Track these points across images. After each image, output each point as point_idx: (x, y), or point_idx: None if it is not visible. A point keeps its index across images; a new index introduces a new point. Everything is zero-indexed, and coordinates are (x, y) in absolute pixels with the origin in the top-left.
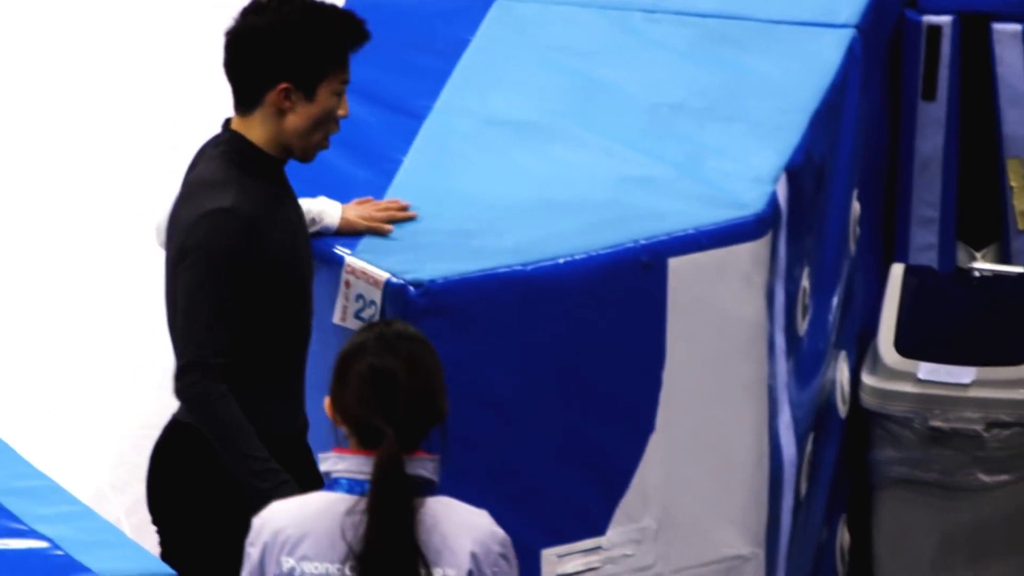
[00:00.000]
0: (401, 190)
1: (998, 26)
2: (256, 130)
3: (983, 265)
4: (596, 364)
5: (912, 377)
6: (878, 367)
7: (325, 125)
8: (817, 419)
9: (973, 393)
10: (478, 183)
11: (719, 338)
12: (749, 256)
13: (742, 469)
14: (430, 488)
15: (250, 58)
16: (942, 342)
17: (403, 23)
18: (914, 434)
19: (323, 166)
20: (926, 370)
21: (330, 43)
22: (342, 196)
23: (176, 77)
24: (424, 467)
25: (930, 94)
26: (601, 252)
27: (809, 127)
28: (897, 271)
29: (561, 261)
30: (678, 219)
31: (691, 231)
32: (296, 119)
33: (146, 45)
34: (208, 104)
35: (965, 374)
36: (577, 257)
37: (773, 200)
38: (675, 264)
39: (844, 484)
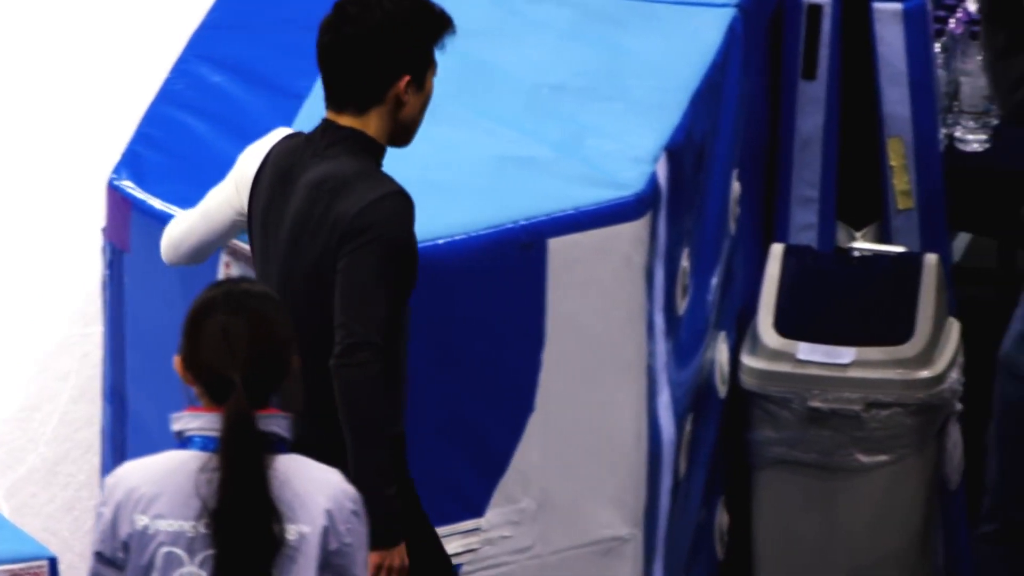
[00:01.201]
0: None
1: (878, 5)
2: (374, 125)
3: (863, 245)
4: (476, 345)
5: (791, 357)
6: (757, 347)
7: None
8: (696, 399)
9: (852, 373)
10: None
11: (599, 319)
12: (629, 236)
13: (621, 450)
14: (283, 445)
15: (375, 56)
16: (821, 322)
17: (283, 2)
18: (793, 414)
19: (203, 147)
20: (805, 350)
21: (435, 30)
22: (221, 177)
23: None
24: (276, 424)
25: (810, 73)
26: (481, 233)
27: (689, 107)
28: (777, 251)
29: (441, 242)
30: (558, 200)
31: (571, 211)
32: (411, 109)
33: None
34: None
35: (844, 354)
36: (457, 238)
37: (653, 180)
38: (555, 245)
39: (723, 464)
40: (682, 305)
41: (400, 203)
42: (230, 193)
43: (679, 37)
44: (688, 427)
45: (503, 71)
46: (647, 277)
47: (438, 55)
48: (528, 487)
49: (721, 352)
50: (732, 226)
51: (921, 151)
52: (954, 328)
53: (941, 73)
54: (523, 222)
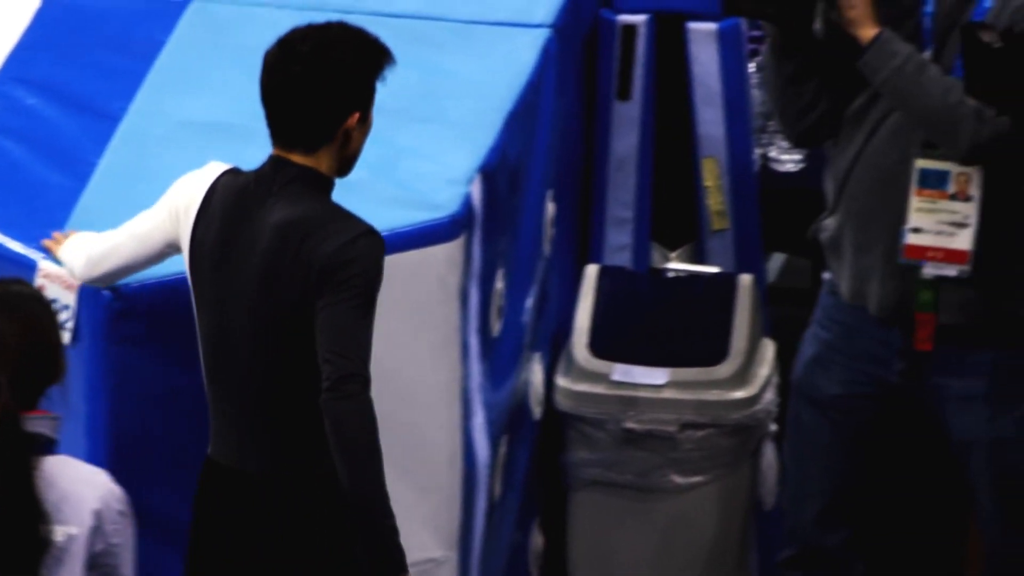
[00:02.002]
0: (96, 193)
1: (693, 25)
2: (325, 163)
3: (677, 266)
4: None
5: (606, 379)
6: (572, 369)
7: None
8: (511, 421)
9: (667, 394)
10: None
11: (413, 340)
12: (443, 258)
13: (435, 471)
14: (50, 446)
15: (326, 97)
16: (636, 343)
17: (98, 24)
18: (608, 436)
19: (17, 170)
20: (620, 371)
21: (380, 65)
22: (36, 200)
23: None
24: (43, 425)
25: (625, 94)
26: None
27: (504, 127)
28: (591, 272)
29: None
30: (374, 221)
31: (386, 233)
32: (356, 143)
33: None
34: None
35: (659, 375)
36: None
37: (467, 201)
38: None
39: (538, 486)
40: (496, 327)
41: (373, 241)
42: (162, 221)
43: (494, 58)
44: (503, 449)
45: None
46: (461, 299)
47: (249, 76)
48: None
49: (536, 374)
50: (547, 247)
51: (735, 171)
52: (769, 349)
53: (755, 93)
54: None
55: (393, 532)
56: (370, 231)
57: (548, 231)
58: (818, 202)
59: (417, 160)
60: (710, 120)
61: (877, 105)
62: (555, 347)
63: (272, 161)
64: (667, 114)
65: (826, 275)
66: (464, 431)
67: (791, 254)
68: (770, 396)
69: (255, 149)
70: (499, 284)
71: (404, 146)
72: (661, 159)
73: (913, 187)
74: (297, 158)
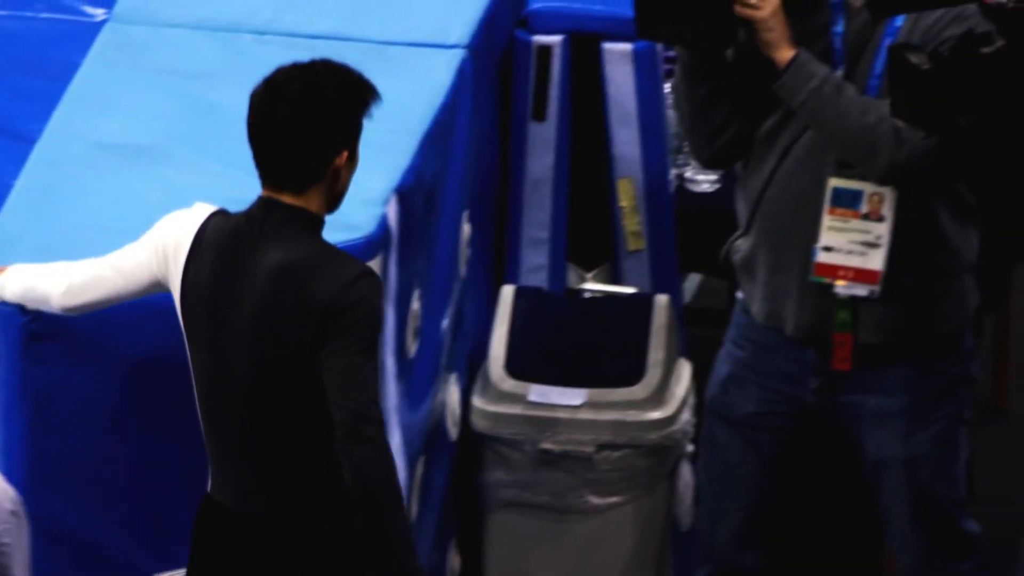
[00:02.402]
0: (12, 215)
1: (608, 46)
2: (315, 202)
3: (594, 286)
4: None
5: (522, 399)
6: (488, 389)
7: None
8: (428, 442)
9: (583, 415)
10: (90, 207)
11: None
12: None
13: None
14: None
15: (315, 138)
16: (552, 364)
17: (12, 46)
18: (525, 457)
19: None
20: (536, 392)
21: (366, 102)
22: None
23: None
24: None
25: (540, 114)
26: None
27: (420, 148)
28: (508, 293)
29: None
30: None
31: None
32: (344, 180)
33: None
34: None
35: (575, 396)
36: None
37: (383, 222)
38: None
39: (455, 507)
40: (413, 348)
41: (372, 282)
42: (147, 258)
43: (409, 79)
44: (420, 470)
45: (232, 113)
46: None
47: (165, 98)
48: None
49: (452, 394)
50: (463, 268)
51: (651, 192)
52: (685, 369)
53: (671, 114)
54: None
55: (419, 574)
56: (367, 272)
57: (464, 252)
58: (734, 222)
59: None
60: (626, 140)
61: (788, 126)
62: (472, 368)
63: (262, 203)
64: (583, 135)
65: (740, 294)
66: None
67: (707, 274)
68: (687, 416)
69: (171, 170)
70: (415, 305)
71: None
72: (577, 179)
73: (826, 206)
74: (287, 199)
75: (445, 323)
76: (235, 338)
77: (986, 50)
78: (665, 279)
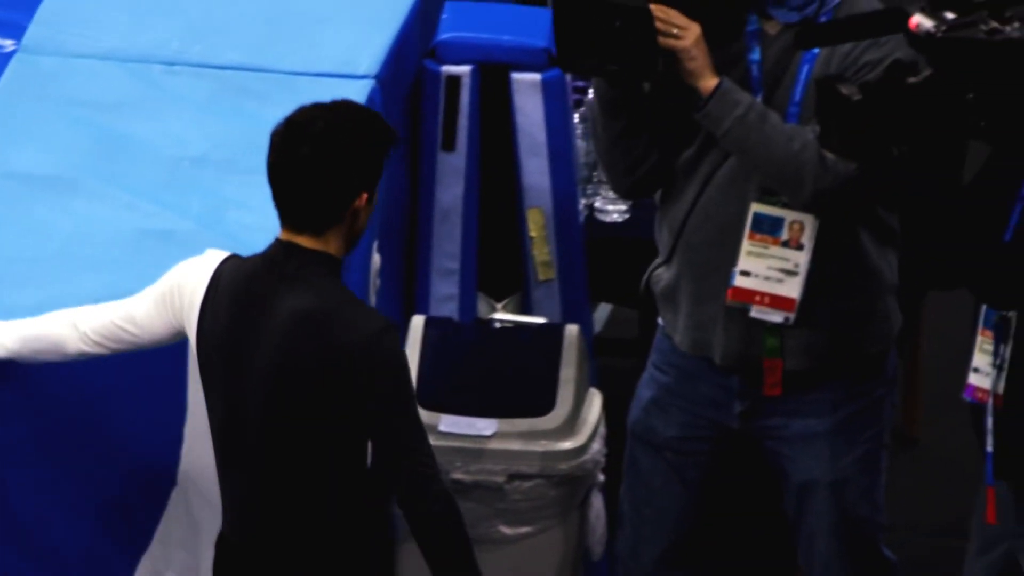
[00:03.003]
0: None
1: (517, 76)
2: (334, 244)
3: (504, 316)
4: (117, 419)
5: (433, 429)
6: None
7: None
8: None
9: (494, 445)
10: (0, 238)
11: None
12: None
13: None
14: None
15: (336, 180)
16: (463, 394)
17: None
18: None
19: None
20: (447, 422)
21: (387, 145)
22: None
23: None
24: None
25: (450, 144)
26: None
27: None
28: (418, 323)
29: None
30: None
31: None
32: (363, 221)
33: None
34: None
35: (486, 426)
36: None
37: None
38: None
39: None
40: None
41: (396, 333)
42: (158, 308)
43: None
44: None
45: (143, 144)
46: None
47: (75, 128)
48: (171, 561)
49: None
50: (373, 299)
51: (561, 222)
52: (596, 399)
53: (580, 144)
54: None
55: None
56: (389, 324)
57: (374, 282)
58: (644, 252)
59: (243, 211)
60: (535, 170)
61: (708, 156)
62: None
63: (281, 246)
64: (492, 165)
65: (661, 320)
66: None
67: (617, 304)
68: (598, 446)
69: (82, 201)
70: None
71: (230, 197)
72: (486, 209)
73: (746, 231)
74: (305, 241)
75: None
76: (252, 383)
77: (913, 80)
78: (575, 309)
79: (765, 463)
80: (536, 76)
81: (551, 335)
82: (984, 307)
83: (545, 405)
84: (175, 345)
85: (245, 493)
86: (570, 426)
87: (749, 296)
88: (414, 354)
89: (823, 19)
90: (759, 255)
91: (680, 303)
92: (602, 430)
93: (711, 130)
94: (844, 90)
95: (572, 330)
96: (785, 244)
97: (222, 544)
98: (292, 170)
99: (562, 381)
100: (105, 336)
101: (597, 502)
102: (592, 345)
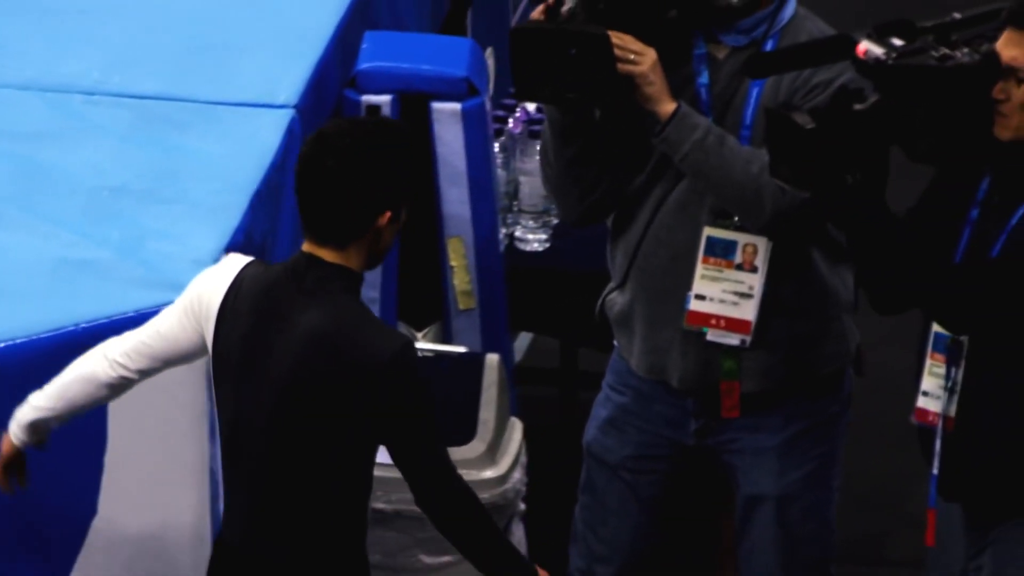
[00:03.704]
0: None
1: (437, 105)
2: (355, 259)
3: (424, 345)
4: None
5: None
6: None
7: None
8: None
9: None
10: None
11: (160, 421)
12: None
13: (181, 553)
14: None
15: (360, 194)
16: None
17: None
18: None
19: None
20: None
21: (415, 162)
22: None
23: None
24: None
25: None
26: (42, 336)
27: (249, 208)
28: None
29: (1, 345)
30: (119, 302)
31: (132, 314)
32: (387, 240)
33: None
34: None
35: None
36: (18, 341)
37: None
38: None
39: None
40: None
41: (414, 353)
42: (180, 320)
43: (238, 139)
44: None
45: (62, 173)
46: (207, 379)
47: None
48: None
49: None
50: None
51: (481, 251)
52: (517, 428)
53: (501, 173)
54: (84, 325)
55: (515, 553)
56: (408, 343)
57: None
58: (564, 281)
59: (162, 241)
60: (455, 199)
61: (660, 181)
62: None
63: (303, 258)
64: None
65: (617, 344)
66: (212, 512)
67: (538, 333)
68: (518, 475)
69: (1, 231)
70: None
71: (149, 227)
72: (407, 239)
73: (700, 255)
74: (327, 255)
75: None
76: (263, 392)
77: (859, 107)
78: (496, 338)
79: (722, 476)
80: (456, 105)
81: (471, 364)
82: (933, 331)
83: (466, 434)
84: None
85: (247, 498)
86: (491, 455)
87: (705, 320)
88: None
89: (770, 41)
90: (714, 279)
91: (635, 327)
92: (523, 459)
93: (669, 154)
94: (796, 119)
95: (492, 359)
96: (739, 267)
97: (219, 548)
98: (316, 182)
99: (483, 410)
100: (134, 356)
101: (518, 531)
102: (512, 374)
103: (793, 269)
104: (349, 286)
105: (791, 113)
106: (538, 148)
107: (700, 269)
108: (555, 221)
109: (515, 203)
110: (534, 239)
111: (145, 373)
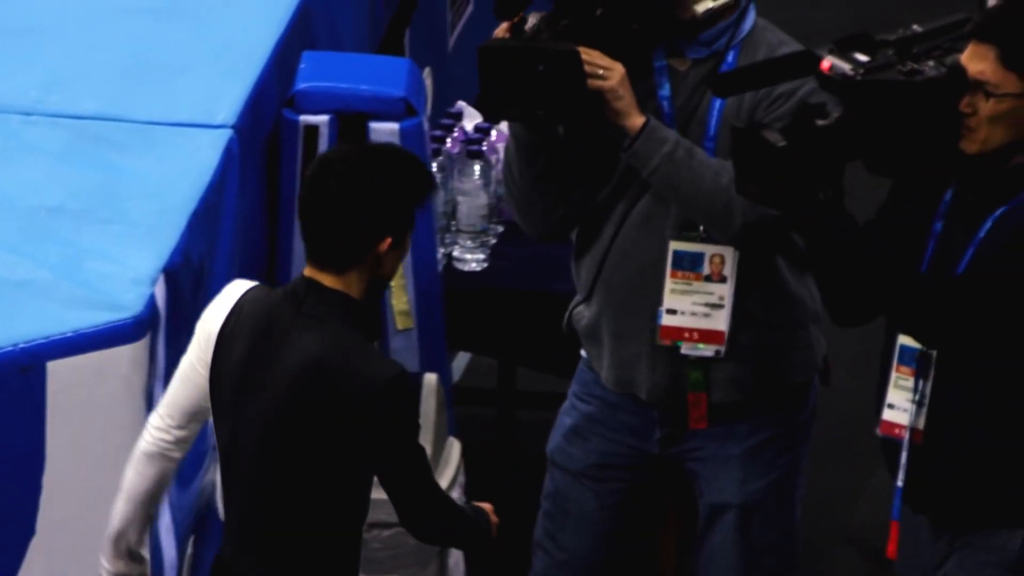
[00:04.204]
0: None
1: (375, 125)
2: (355, 286)
3: None
4: None
5: None
6: None
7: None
8: (197, 521)
9: None
10: None
11: (99, 441)
12: (128, 359)
13: None
14: None
15: (358, 219)
16: None
17: None
18: None
19: None
20: None
21: (421, 192)
22: None
23: None
24: None
25: None
26: None
27: (187, 228)
28: None
29: None
30: (57, 322)
31: (70, 334)
32: (388, 268)
33: None
34: None
35: None
36: None
37: (151, 302)
38: (54, 368)
39: None
40: None
41: (405, 385)
42: (194, 355)
43: (176, 159)
44: (190, 549)
45: None
46: (146, 399)
47: None
48: None
49: (216, 473)
50: None
51: (419, 271)
52: (455, 448)
53: (440, 193)
54: (22, 345)
55: (474, 522)
56: (399, 373)
57: None
58: (502, 301)
59: (100, 261)
60: None
61: (625, 194)
62: None
63: (304, 282)
64: None
65: (584, 353)
66: (152, 532)
67: (476, 353)
68: (457, 494)
69: None
70: None
71: (87, 247)
72: None
73: (668, 269)
74: (327, 280)
75: None
76: (258, 414)
77: (822, 123)
78: (434, 358)
79: (685, 483)
80: (394, 125)
81: None
82: (899, 343)
83: None
84: (35, 394)
85: (243, 517)
86: None
87: (678, 334)
88: None
89: (732, 53)
90: (683, 292)
91: (603, 341)
92: (461, 479)
93: (639, 169)
94: (767, 137)
95: (431, 379)
96: (708, 278)
97: (219, 565)
98: (317, 205)
99: (421, 430)
100: (165, 413)
101: (456, 551)
102: (451, 394)
103: (760, 279)
104: (347, 313)
105: (760, 131)
106: (475, 168)
107: (669, 283)
108: (493, 241)
109: (453, 223)
110: (472, 259)
111: (182, 427)
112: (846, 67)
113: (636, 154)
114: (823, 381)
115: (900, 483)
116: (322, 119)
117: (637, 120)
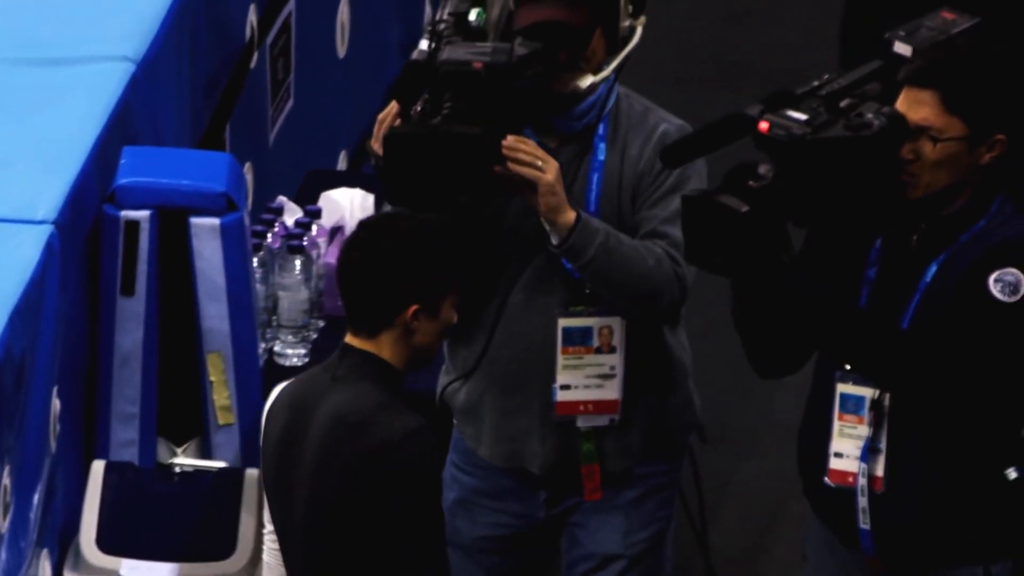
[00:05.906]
0: None
1: (195, 220)
2: (388, 349)
3: (184, 460)
4: None
5: (114, 574)
6: (80, 564)
7: (445, 334)
8: None
9: None
10: None
11: None
12: None
13: None
14: None
15: (379, 284)
16: (144, 539)
17: None
18: None
19: None
20: (128, 567)
21: (450, 261)
22: None
23: None
24: None
25: (129, 289)
26: None
27: (8, 324)
28: (98, 468)
29: None
30: None
31: None
32: (424, 337)
33: None
34: None
35: (166, 571)
36: None
37: None
38: None
39: None
40: (3, 524)
41: (425, 438)
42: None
43: None
44: None
45: None
46: None
47: None
48: None
49: (44, 569)
50: (53, 444)
51: (241, 366)
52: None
53: (260, 288)
54: None
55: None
56: (420, 427)
57: (54, 427)
58: None
59: None
60: (214, 315)
61: (505, 273)
62: (63, 543)
63: (341, 347)
64: (171, 309)
65: (459, 432)
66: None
67: None
68: None
69: None
70: (5, 481)
71: None
72: (166, 354)
73: (559, 346)
74: (359, 343)
75: (36, 498)
76: (298, 486)
77: (753, 184)
78: (255, 452)
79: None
80: (215, 220)
81: (231, 479)
82: (839, 392)
83: (226, 548)
84: None
85: None
86: (251, 569)
87: (574, 408)
88: (94, 500)
89: (602, 125)
90: (575, 367)
91: (484, 417)
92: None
93: (571, 261)
94: (726, 202)
95: (252, 474)
96: (599, 350)
97: None
98: (345, 271)
99: (243, 524)
100: (271, 543)
101: None
102: None
103: (645, 343)
104: (376, 373)
105: (717, 197)
106: (296, 263)
107: (561, 360)
108: (314, 335)
109: (274, 318)
110: (293, 354)
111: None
112: (790, 126)
113: (572, 249)
114: (701, 439)
115: (866, 526)
116: (143, 214)
117: (569, 215)
